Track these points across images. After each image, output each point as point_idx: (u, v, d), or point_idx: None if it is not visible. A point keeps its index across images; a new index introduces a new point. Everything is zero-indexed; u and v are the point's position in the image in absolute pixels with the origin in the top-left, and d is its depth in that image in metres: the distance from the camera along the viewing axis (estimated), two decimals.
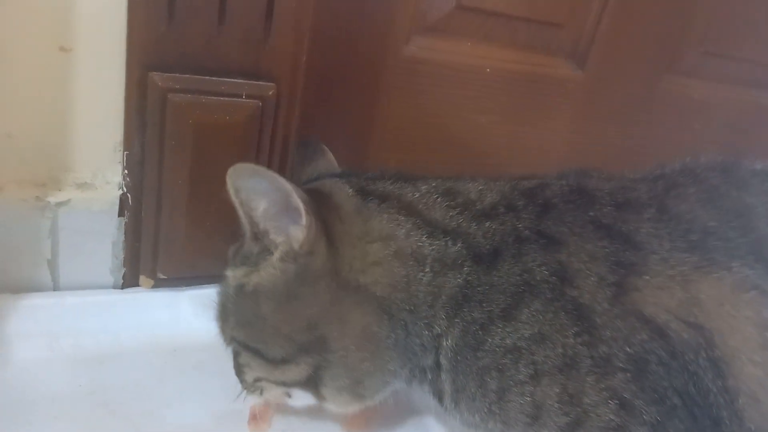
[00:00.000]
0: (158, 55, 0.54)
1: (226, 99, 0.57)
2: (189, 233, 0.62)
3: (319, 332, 0.45)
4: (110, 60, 0.55)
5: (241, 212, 0.45)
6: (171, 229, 0.61)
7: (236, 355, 0.51)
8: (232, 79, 0.57)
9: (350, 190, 0.48)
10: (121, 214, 0.60)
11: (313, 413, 0.56)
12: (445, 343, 0.46)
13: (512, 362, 0.43)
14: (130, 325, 0.62)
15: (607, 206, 0.45)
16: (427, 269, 0.45)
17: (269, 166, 0.63)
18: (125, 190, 0.59)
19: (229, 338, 0.50)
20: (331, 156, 0.61)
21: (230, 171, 0.43)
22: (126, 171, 0.58)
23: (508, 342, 0.43)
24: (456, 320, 0.45)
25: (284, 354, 0.46)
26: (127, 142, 0.57)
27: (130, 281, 0.64)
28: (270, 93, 0.59)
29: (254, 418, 0.56)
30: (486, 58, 0.89)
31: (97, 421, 0.53)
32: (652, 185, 0.47)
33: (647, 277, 0.41)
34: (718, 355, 0.40)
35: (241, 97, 0.58)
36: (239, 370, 0.51)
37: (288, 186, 0.42)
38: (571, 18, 0.91)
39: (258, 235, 0.46)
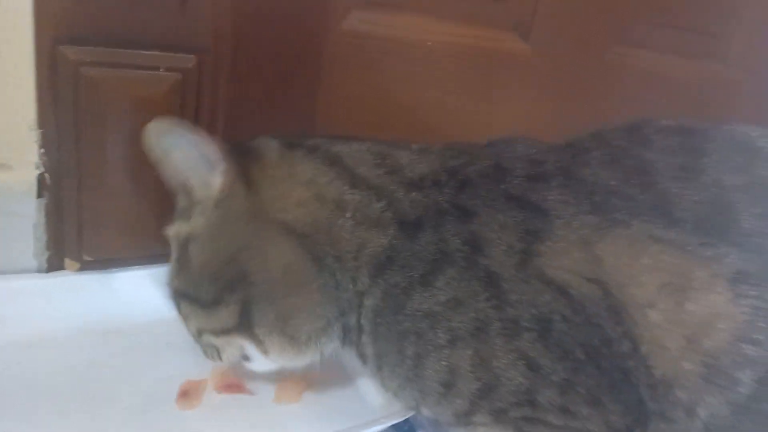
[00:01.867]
0: (68, 28, 0.52)
1: (144, 72, 0.56)
2: (114, 213, 0.60)
3: (240, 266, 0.47)
4: (18, 34, 0.52)
5: (162, 168, 0.48)
6: (94, 209, 0.59)
7: (178, 307, 0.52)
8: (150, 52, 0.56)
9: (275, 143, 0.50)
10: (40, 195, 0.58)
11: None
12: (366, 302, 0.47)
13: (429, 327, 0.44)
14: (57, 309, 0.60)
15: (519, 178, 0.46)
16: (348, 216, 0.47)
17: None
18: (43, 170, 0.57)
19: (172, 291, 0.52)
20: None
21: (145, 129, 0.46)
22: (42, 150, 0.56)
23: (425, 307, 0.44)
24: (378, 281, 0.46)
25: (213, 294, 0.48)
26: (42, 121, 0.55)
27: (55, 265, 0.62)
28: (191, 65, 0.58)
29: (183, 394, 0.55)
30: (429, 31, 0.88)
31: (29, 406, 0.51)
32: (561, 153, 0.47)
33: (549, 243, 0.42)
34: (618, 304, 0.40)
35: (159, 69, 0.56)
36: (185, 321, 0.53)
37: (202, 136, 0.46)
38: None
39: (183, 188, 0.49)
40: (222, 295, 0.48)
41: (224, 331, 0.50)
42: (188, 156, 0.47)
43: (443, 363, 0.44)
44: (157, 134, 0.47)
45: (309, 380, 0.59)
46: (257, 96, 0.76)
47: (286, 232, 0.47)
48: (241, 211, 0.48)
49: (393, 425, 0.54)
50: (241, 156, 0.48)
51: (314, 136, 0.54)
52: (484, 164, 0.48)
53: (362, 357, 0.49)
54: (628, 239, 0.41)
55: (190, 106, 0.60)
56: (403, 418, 0.54)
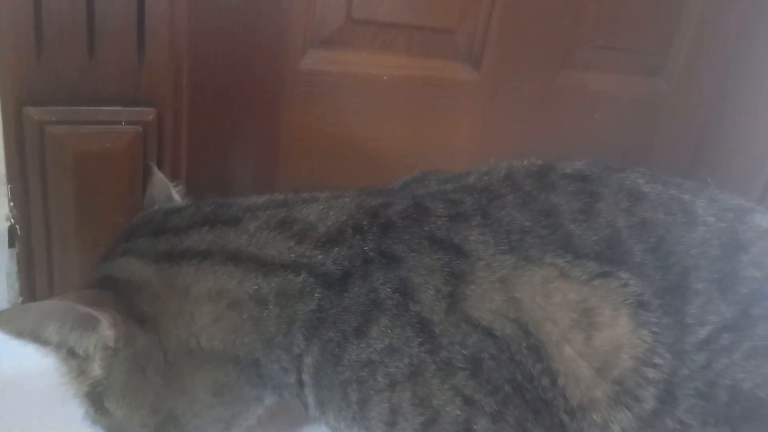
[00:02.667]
0: (31, 90, 0.56)
1: (105, 127, 0.60)
2: (82, 261, 0.63)
3: (166, 412, 0.46)
4: None
5: (40, 347, 0.44)
6: (64, 257, 0.63)
7: None
8: (110, 107, 0.60)
9: (149, 268, 0.46)
10: (11, 245, 0.61)
11: None
12: (306, 361, 0.47)
13: (369, 374, 0.46)
14: (29, 351, 0.63)
15: (441, 218, 0.48)
16: (271, 306, 0.46)
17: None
18: (13, 221, 0.61)
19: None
20: (160, 178, 0.58)
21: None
22: (12, 204, 0.60)
23: (363, 357, 0.46)
24: (314, 340, 0.47)
25: None
26: (10, 175, 0.59)
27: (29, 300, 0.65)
28: (150, 118, 0.62)
29: None
30: (383, 66, 0.92)
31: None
32: (477, 196, 0.50)
33: (473, 286, 0.45)
34: (536, 342, 0.44)
35: (120, 123, 0.60)
36: None
37: (67, 302, 0.42)
38: (462, 23, 0.95)
39: (71, 353, 0.45)
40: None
41: None
42: (62, 324, 0.43)
43: (385, 405, 0.46)
44: (14, 323, 0.43)
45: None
46: (219, 140, 0.80)
47: (205, 358, 0.45)
48: (147, 357, 0.45)
49: None
50: (120, 293, 0.45)
51: (193, 220, 0.49)
52: (405, 205, 0.49)
53: (304, 405, 0.50)
54: (542, 278, 0.44)
55: (152, 157, 0.63)
56: None
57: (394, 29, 0.91)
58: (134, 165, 0.62)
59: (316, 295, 0.46)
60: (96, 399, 0.46)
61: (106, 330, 0.43)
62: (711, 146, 1.32)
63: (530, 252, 0.46)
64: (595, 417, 0.44)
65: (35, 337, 0.44)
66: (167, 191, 0.56)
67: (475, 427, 0.45)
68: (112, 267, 0.48)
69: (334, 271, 0.47)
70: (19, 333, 0.43)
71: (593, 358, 0.43)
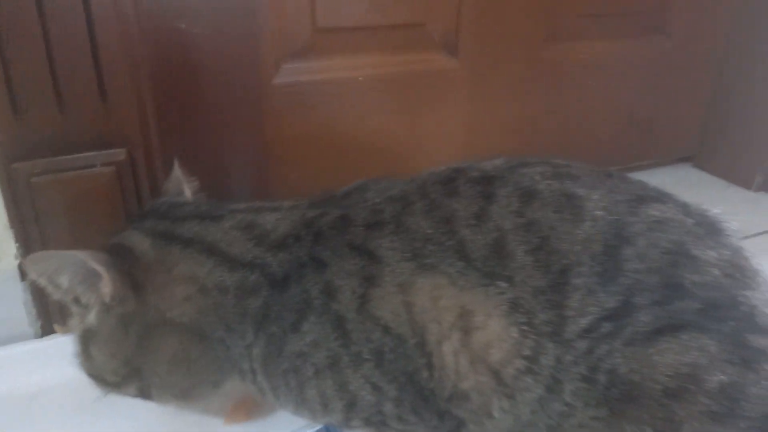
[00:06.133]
0: (15, 148, 0.66)
1: (84, 171, 0.69)
2: None
3: (134, 365, 0.56)
4: None
5: (51, 292, 0.53)
6: None
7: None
8: (86, 153, 0.69)
9: (147, 242, 0.55)
10: (23, 278, 0.72)
11: None
12: (254, 352, 0.55)
13: (302, 364, 0.53)
14: (52, 365, 0.74)
15: (359, 227, 0.53)
16: (231, 296, 0.54)
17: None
18: (21, 259, 0.72)
19: (83, 370, 0.58)
20: (177, 175, 0.66)
21: (26, 264, 0.52)
22: (17, 244, 0.71)
23: (296, 349, 0.53)
24: (260, 333, 0.55)
25: (115, 381, 0.57)
26: (12, 221, 0.69)
27: (47, 330, 0.77)
28: (122, 158, 0.70)
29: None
30: (358, 68, 0.96)
31: None
32: (395, 205, 0.54)
33: (380, 289, 0.50)
34: (421, 341, 0.49)
35: (96, 166, 0.69)
36: None
37: (82, 255, 0.51)
38: (431, 14, 0.98)
39: (76, 301, 0.55)
40: (124, 382, 0.56)
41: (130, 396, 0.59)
42: (72, 275, 0.52)
43: (315, 390, 0.54)
44: (37, 264, 0.52)
45: (253, 403, 0.70)
46: (211, 157, 0.88)
47: (174, 328, 0.54)
48: (132, 316, 0.54)
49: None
50: (122, 259, 0.54)
51: (189, 212, 0.59)
52: (333, 216, 0.55)
53: (261, 391, 0.58)
54: (432, 284, 0.49)
55: (129, 191, 0.72)
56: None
57: (362, 32, 0.95)
58: (114, 199, 0.71)
59: (264, 292, 0.54)
60: (85, 342, 0.56)
61: (105, 287, 0.52)
62: (724, 102, 1.26)
63: (428, 260, 0.50)
64: (471, 405, 0.49)
65: (51, 280, 0.53)
66: (180, 187, 0.65)
67: (384, 409, 0.52)
68: (121, 237, 0.58)
69: (278, 273, 0.54)
70: (40, 274, 0.52)
71: (468, 354, 0.48)
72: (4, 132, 0.65)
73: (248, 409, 0.70)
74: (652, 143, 1.28)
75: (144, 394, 0.58)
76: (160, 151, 0.76)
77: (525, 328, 0.47)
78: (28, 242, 0.70)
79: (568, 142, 1.17)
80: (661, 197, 0.51)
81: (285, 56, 0.91)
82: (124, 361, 0.56)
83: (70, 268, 0.52)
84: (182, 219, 0.58)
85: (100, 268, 0.52)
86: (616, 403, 0.45)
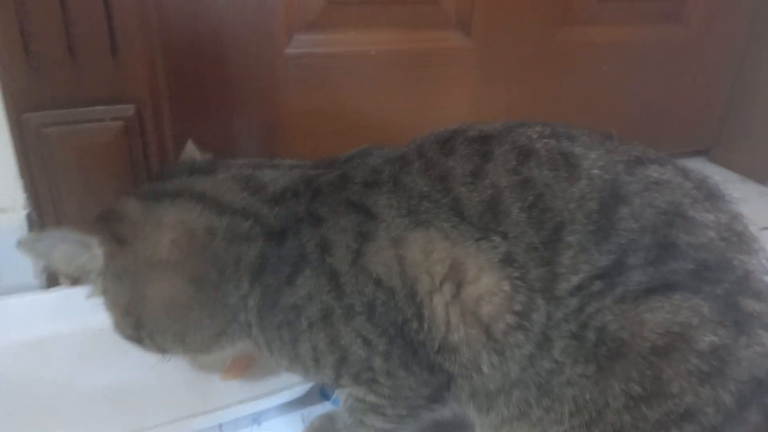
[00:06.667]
0: (26, 99, 0.67)
1: (93, 124, 0.70)
2: None
3: (135, 316, 0.57)
4: None
5: (52, 267, 0.57)
6: None
7: None
8: (95, 107, 0.70)
9: (137, 203, 0.57)
10: (31, 229, 0.74)
11: None
12: (249, 303, 0.56)
13: (295, 317, 0.54)
14: (58, 315, 0.76)
15: (357, 185, 0.54)
16: (220, 239, 0.54)
17: (147, 171, 0.75)
18: (30, 209, 0.73)
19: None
20: (190, 148, 0.67)
21: (19, 247, 0.55)
22: (26, 195, 0.72)
23: (291, 301, 0.54)
24: (256, 285, 0.55)
25: (131, 334, 0.59)
26: (22, 172, 0.71)
27: (53, 282, 0.78)
28: (130, 113, 0.71)
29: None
30: (371, 43, 0.97)
31: (37, 385, 0.68)
32: (393, 165, 0.54)
33: (373, 243, 0.51)
34: (411, 292, 0.49)
35: (105, 120, 0.70)
36: None
37: (67, 232, 0.54)
38: None
39: (78, 271, 0.57)
40: (138, 335, 0.58)
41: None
42: (65, 249, 0.55)
43: (308, 344, 0.54)
44: (30, 247, 0.55)
45: (251, 360, 0.71)
46: (212, 129, 0.88)
47: (162, 272, 0.55)
48: (121, 269, 0.55)
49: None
50: (109, 222, 0.56)
51: (182, 169, 0.59)
52: (333, 174, 0.56)
53: (257, 345, 0.59)
54: (426, 239, 0.49)
55: (137, 147, 0.73)
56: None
57: (376, 6, 0.95)
58: (122, 154, 0.72)
59: (260, 242, 0.54)
60: (104, 305, 0.59)
61: (97, 250, 0.55)
62: (745, 92, 1.24)
63: (423, 216, 0.50)
64: (460, 358, 0.49)
65: (49, 258, 0.56)
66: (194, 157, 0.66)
67: (373, 364, 0.52)
68: (113, 203, 0.59)
69: (274, 225, 0.55)
70: (38, 255, 0.56)
71: (459, 306, 0.48)
72: (16, 82, 0.66)
73: (245, 365, 0.71)
74: (667, 134, 1.27)
75: (156, 345, 0.59)
76: (170, 113, 0.77)
77: (517, 282, 0.46)
78: (36, 193, 0.72)
79: (579, 126, 1.16)
80: (661, 160, 0.51)
81: (298, 26, 0.91)
82: (125, 312, 0.57)
83: (61, 244, 0.54)
84: (174, 175, 0.59)
85: (83, 236, 0.54)
86: (605, 360, 0.45)
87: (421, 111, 1.05)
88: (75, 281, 0.77)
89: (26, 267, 0.76)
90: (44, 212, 0.73)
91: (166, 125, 0.76)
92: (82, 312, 0.76)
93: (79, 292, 0.77)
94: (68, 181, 0.72)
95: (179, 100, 0.79)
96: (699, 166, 1.30)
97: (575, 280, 0.46)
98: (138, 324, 0.57)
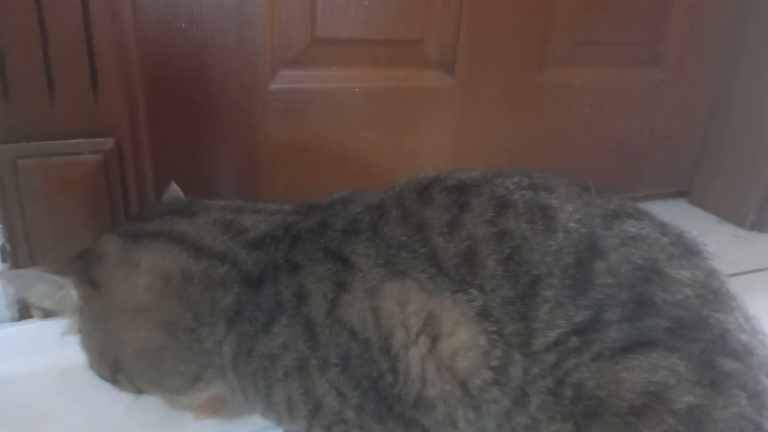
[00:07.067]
0: (3, 130, 0.66)
1: (70, 157, 0.69)
2: None
3: (109, 358, 0.56)
4: None
5: (38, 304, 0.57)
6: None
7: None
8: (73, 140, 0.69)
9: (118, 241, 0.57)
10: (4, 260, 0.72)
11: None
12: (224, 348, 0.55)
13: (271, 365, 0.53)
14: (25, 349, 0.74)
15: (336, 233, 0.53)
16: (196, 284, 0.54)
17: (125, 205, 0.74)
18: (4, 241, 0.71)
19: None
20: (175, 189, 0.68)
21: (3, 283, 0.58)
22: (1, 226, 0.70)
23: (266, 350, 0.53)
24: (231, 331, 0.54)
25: (109, 377, 0.58)
26: None
27: (24, 314, 0.76)
28: (109, 147, 0.71)
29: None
30: (353, 80, 0.97)
31: (11, 417, 0.66)
32: (372, 213, 0.54)
33: (349, 294, 0.50)
34: (387, 345, 0.49)
35: (83, 153, 0.69)
36: None
37: (43, 270, 0.55)
38: (429, 32, 0.99)
39: (57, 304, 0.57)
40: (111, 376, 0.58)
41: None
42: (41, 288, 0.55)
43: (282, 392, 0.53)
44: (13, 283, 0.58)
45: (224, 399, 0.70)
46: (192, 161, 0.88)
47: (135, 316, 0.54)
48: (96, 312, 0.55)
49: None
50: (86, 262, 0.56)
51: (163, 210, 0.59)
52: (313, 221, 0.56)
53: (232, 389, 0.58)
54: (401, 290, 0.49)
55: (115, 182, 0.72)
56: None
57: (359, 45, 0.95)
58: (100, 189, 0.71)
59: (236, 288, 0.54)
60: (80, 343, 0.58)
61: (71, 290, 0.55)
62: (719, 133, 1.27)
63: (400, 266, 0.50)
64: (436, 414, 0.48)
65: (24, 293, 0.56)
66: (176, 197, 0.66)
67: (346, 417, 0.52)
68: (94, 242, 0.59)
69: (252, 271, 0.54)
70: (18, 290, 0.57)
71: (435, 361, 0.48)
72: None
73: (218, 405, 0.70)
74: (645, 174, 1.29)
75: (134, 387, 0.58)
76: (149, 147, 0.76)
77: (494, 337, 0.46)
78: (10, 225, 0.70)
79: (558, 166, 1.17)
80: (638, 215, 0.51)
81: (283, 63, 0.92)
82: (101, 355, 0.57)
83: (38, 282, 0.55)
84: (155, 216, 0.59)
85: (58, 277, 0.54)
86: (581, 418, 0.45)
87: (403, 147, 1.05)
88: (47, 314, 0.76)
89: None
90: (17, 244, 0.71)
91: (145, 157, 0.76)
92: (54, 346, 0.74)
93: (52, 325, 0.76)
94: (43, 214, 0.70)
95: (160, 133, 0.78)
96: (678, 207, 1.34)
97: (552, 335, 0.46)
98: (114, 367, 0.57)
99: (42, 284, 0.55)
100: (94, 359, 0.58)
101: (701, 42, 1.19)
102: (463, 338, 0.47)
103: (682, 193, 1.37)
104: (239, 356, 0.54)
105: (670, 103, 1.23)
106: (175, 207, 0.60)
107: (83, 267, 0.56)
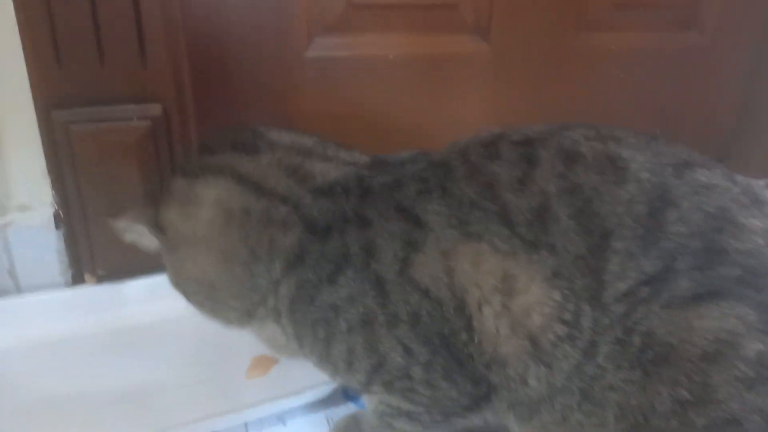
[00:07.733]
0: (56, 97, 0.67)
1: (120, 123, 0.70)
2: (115, 237, 0.74)
3: (180, 288, 0.59)
4: (22, 107, 0.68)
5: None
6: (100, 234, 0.74)
7: None
8: (123, 105, 0.70)
9: (182, 181, 0.57)
10: (57, 227, 0.73)
11: None
12: (281, 291, 0.55)
13: (334, 316, 0.53)
14: (80, 314, 0.75)
15: (407, 191, 0.52)
16: (254, 219, 0.54)
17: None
18: (57, 207, 0.72)
19: None
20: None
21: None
22: (53, 192, 0.71)
23: (331, 300, 0.53)
24: (291, 274, 0.54)
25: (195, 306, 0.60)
26: (50, 169, 0.70)
27: (77, 279, 0.78)
28: (157, 113, 0.71)
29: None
30: (389, 46, 0.96)
31: (61, 383, 0.68)
32: (438, 170, 0.53)
33: (422, 254, 0.50)
34: (461, 304, 0.49)
35: (132, 119, 0.70)
36: None
37: (124, 219, 0.58)
38: None
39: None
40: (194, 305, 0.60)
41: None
42: (132, 233, 0.59)
43: (343, 345, 0.53)
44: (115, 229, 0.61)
45: (274, 360, 0.71)
46: (238, 122, 0.88)
47: (201, 248, 0.56)
48: (173, 244, 0.57)
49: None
50: (157, 203, 0.58)
51: (230, 145, 0.58)
52: (386, 177, 0.54)
53: (286, 335, 0.58)
54: (476, 252, 0.49)
55: (163, 146, 0.73)
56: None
57: (395, 10, 0.95)
58: (148, 153, 0.72)
59: (297, 231, 0.53)
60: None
61: (151, 231, 0.57)
62: (757, 100, 1.25)
63: (473, 227, 0.49)
64: (508, 371, 0.49)
65: (126, 236, 0.61)
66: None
67: (411, 374, 0.52)
68: (173, 180, 0.60)
69: (318, 219, 0.54)
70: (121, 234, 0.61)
71: (508, 318, 0.48)
72: (46, 81, 0.66)
73: (269, 364, 0.71)
74: (680, 140, 1.27)
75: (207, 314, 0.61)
76: (194, 112, 0.76)
77: (566, 292, 0.46)
78: (63, 191, 0.71)
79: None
80: (708, 164, 0.50)
81: (318, 30, 0.91)
82: (175, 284, 0.60)
83: (129, 230, 0.59)
84: (218, 150, 0.59)
85: (133, 224, 0.58)
86: (651, 365, 0.45)
87: (438, 114, 1.04)
88: (100, 279, 0.77)
89: (52, 264, 0.75)
90: (71, 210, 0.72)
91: (191, 124, 0.76)
92: (105, 310, 0.77)
93: (103, 290, 0.78)
94: (94, 179, 0.71)
95: (201, 100, 0.79)
96: None
97: (623, 286, 0.46)
98: (185, 294, 0.60)
99: (132, 230, 0.59)
100: (178, 290, 0.60)
101: (741, 7, 1.16)
102: (537, 294, 0.47)
103: (718, 161, 1.35)
104: (298, 302, 0.54)
105: (708, 70, 1.20)
106: (237, 140, 0.59)
107: (154, 209, 0.58)
